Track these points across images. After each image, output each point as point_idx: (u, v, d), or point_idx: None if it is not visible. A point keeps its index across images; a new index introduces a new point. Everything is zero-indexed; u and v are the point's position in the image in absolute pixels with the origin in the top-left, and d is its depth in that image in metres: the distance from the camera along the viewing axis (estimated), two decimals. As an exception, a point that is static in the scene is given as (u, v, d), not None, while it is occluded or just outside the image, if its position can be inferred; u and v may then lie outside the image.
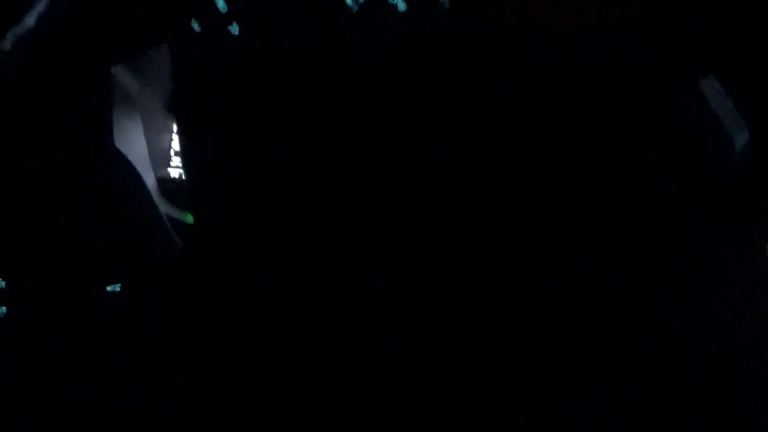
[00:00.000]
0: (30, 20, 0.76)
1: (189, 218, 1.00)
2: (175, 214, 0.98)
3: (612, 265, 0.74)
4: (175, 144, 1.06)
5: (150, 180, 0.98)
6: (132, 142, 0.98)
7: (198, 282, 0.89)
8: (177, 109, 1.04)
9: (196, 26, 0.90)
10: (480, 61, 0.73)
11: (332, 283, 0.82)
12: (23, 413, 0.82)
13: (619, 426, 0.73)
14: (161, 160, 1.04)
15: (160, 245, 0.93)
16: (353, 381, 0.80)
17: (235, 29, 0.85)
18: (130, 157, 0.95)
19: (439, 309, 0.80)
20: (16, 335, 0.85)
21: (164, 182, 1.03)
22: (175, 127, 1.05)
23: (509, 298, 0.78)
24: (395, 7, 0.75)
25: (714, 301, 0.72)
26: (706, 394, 0.71)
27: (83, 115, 0.92)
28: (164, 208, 0.97)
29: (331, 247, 0.83)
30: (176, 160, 1.06)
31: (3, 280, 0.85)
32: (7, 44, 0.74)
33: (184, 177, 1.06)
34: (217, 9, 0.85)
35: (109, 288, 0.90)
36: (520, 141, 0.74)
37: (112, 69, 0.94)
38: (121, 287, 0.89)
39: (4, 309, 0.85)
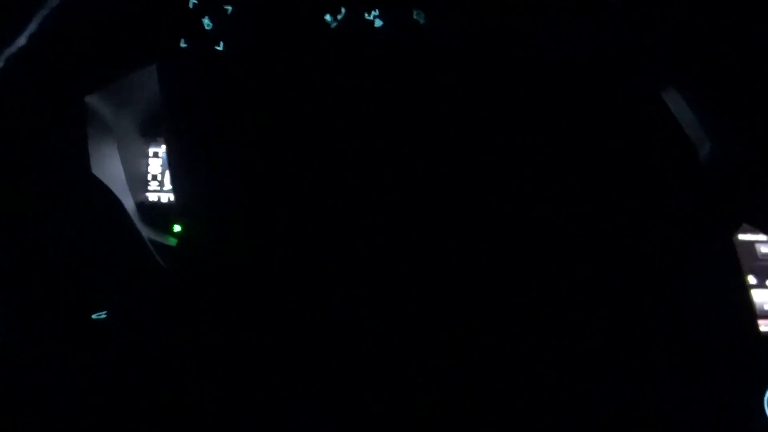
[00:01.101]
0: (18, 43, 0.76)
1: (170, 241, 1.00)
2: (157, 237, 0.99)
3: (598, 265, 0.77)
4: (152, 168, 1.07)
5: (129, 204, 0.99)
6: (109, 168, 0.99)
7: (185, 303, 0.89)
8: (154, 133, 1.06)
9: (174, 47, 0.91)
10: (456, 73, 0.78)
11: (329, 292, 0.83)
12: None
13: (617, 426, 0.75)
14: (139, 184, 1.05)
15: (145, 268, 0.93)
16: (353, 381, 0.82)
17: (214, 48, 0.87)
18: (108, 183, 0.95)
19: (437, 309, 0.82)
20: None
21: (143, 206, 1.04)
22: (150, 152, 1.06)
23: (505, 298, 0.80)
24: (372, 23, 0.79)
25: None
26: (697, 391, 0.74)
27: (61, 143, 0.92)
28: (145, 231, 0.98)
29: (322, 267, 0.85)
30: (153, 185, 1.07)
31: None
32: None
33: (161, 200, 1.07)
34: (198, 31, 0.87)
35: (94, 316, 0.90)
36: (501, 147, 0.78)
37: (86, 97, 0.95)
38: (108, 312, 0.89)
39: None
